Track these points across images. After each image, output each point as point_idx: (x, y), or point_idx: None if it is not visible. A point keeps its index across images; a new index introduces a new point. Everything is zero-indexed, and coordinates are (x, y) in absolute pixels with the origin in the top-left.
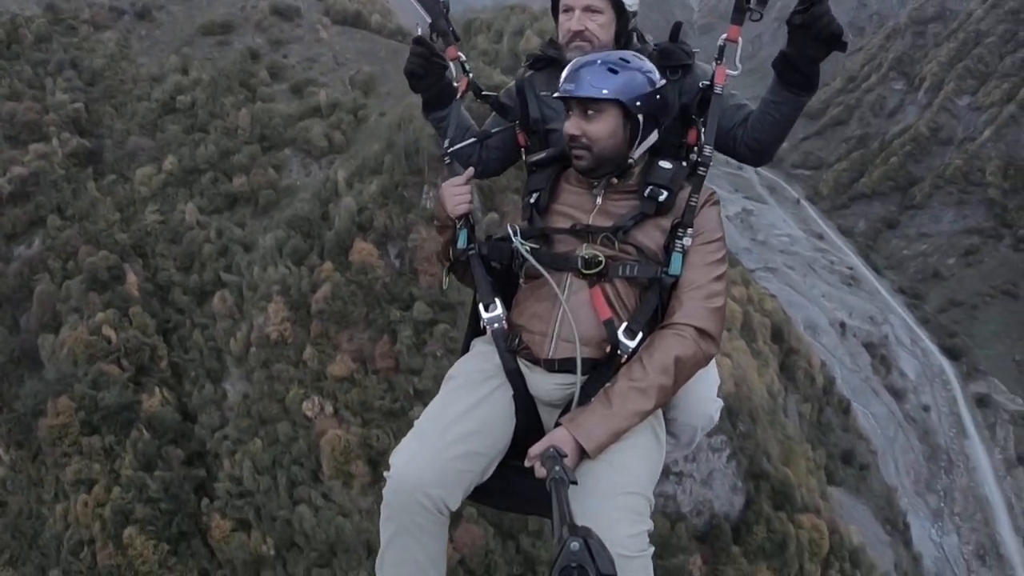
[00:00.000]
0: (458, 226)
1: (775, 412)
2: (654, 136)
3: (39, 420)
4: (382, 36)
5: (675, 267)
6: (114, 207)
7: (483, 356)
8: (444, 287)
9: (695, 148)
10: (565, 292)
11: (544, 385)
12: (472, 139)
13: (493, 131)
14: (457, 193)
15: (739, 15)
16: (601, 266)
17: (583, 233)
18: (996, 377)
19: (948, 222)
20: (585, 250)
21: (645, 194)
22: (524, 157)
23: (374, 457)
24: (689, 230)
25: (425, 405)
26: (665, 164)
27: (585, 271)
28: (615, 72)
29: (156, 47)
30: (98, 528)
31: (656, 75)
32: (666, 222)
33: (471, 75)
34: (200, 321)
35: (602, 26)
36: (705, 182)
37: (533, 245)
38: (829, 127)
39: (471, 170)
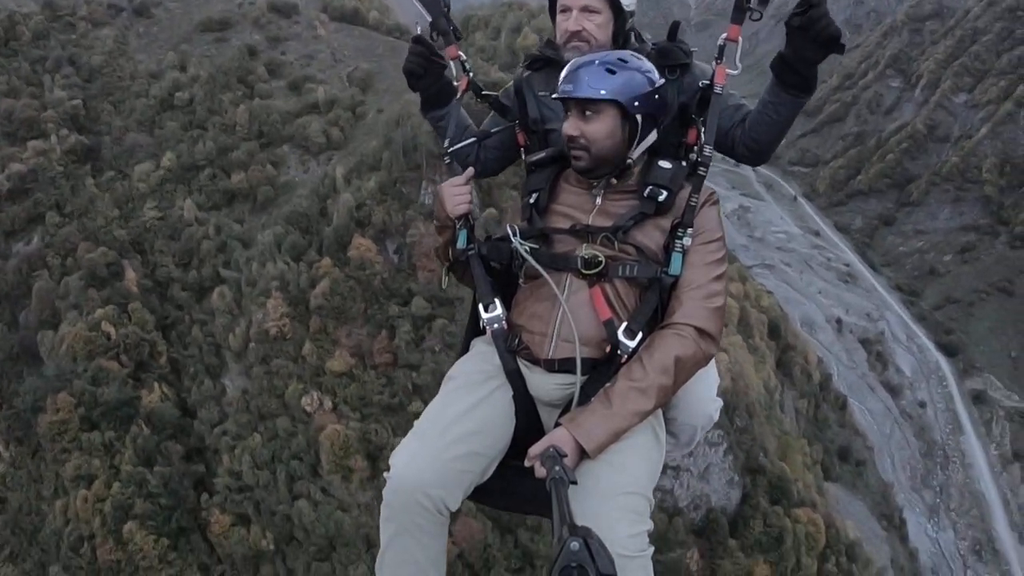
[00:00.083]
0: (458, 226)
1: (772, 407)
2: (653, 136)
3: (39, 416)
4: (380, 33)
5: (675, 267)
6: (113, 204)
7: (483, 356)
8: (443, 286)
9: (695, 148)
10: (565, 292)
11: (544, 385)
12: (471, 139)
13: (492, 131)
14: (457, 193)
15: (739, 14)
16: (601, 266)
17: (583, 233)
18: (992, 373)
19: (944, 219)
20: (585, 250)
21: (645, 194)
22: (523, 157)
23: (373, 452)
24: (689, 230)
25: (423, 400)
26: (664, 164)
27: (585, 271)
28: (613, 72)
29: (154, 44)
30: (98, 523)
31: (655, 74)
32: (666, 222)
33: (471, 74)
34: (199, 317)
35: (599, 26)
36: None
37: (532, 245)
38: (826, 124)
39: (471, 170)
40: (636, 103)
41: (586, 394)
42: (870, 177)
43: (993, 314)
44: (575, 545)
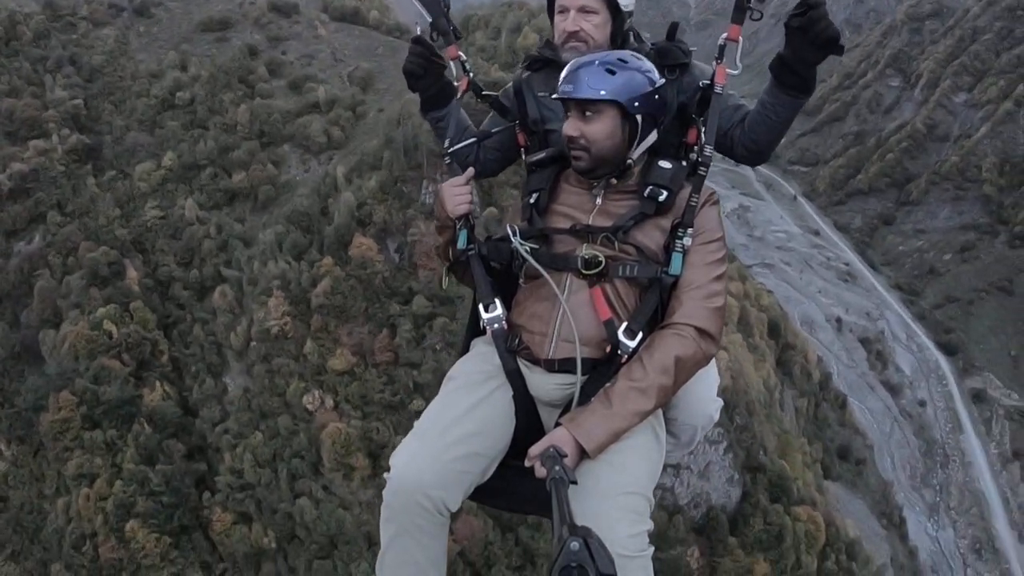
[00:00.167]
0: (458, 226)
1: (772, 406)
2: (653, 136)
3: (40, 415)
4: (380, 33)
5: (675, 267)
6: (114, 203)
7: (483, 356)
8: (444, 287)
9: (695, 148)
10: (565, 292)
11: (544, 385)
12: (471, 139)
13: (492, 131)
14: (457, 193)
15: (740, 14)
16: (601, 266)
17: (583, 233)
18: (992, 372)
19: (944, 218)
20: (585, 250)
21: (645, 194)
22: (523, 157)
23: (374, 450)
24: (689, 230)
25: (425, 398)
26: (665, 164)
27: (585, 271)
28: (613, 73)
29: (155, 44)
30: (100, 522)
31: (655, 74)
32: (666, 222)
33: (471, 74)
34: (200, 316)
35: (597, 26)
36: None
37: (533, 245)
38: (826, 124)
39: (471, 170)
40: (636, 103)
41: (586, 394)
42: (870, 176)
43: (993, 313)
44: (575, 545)
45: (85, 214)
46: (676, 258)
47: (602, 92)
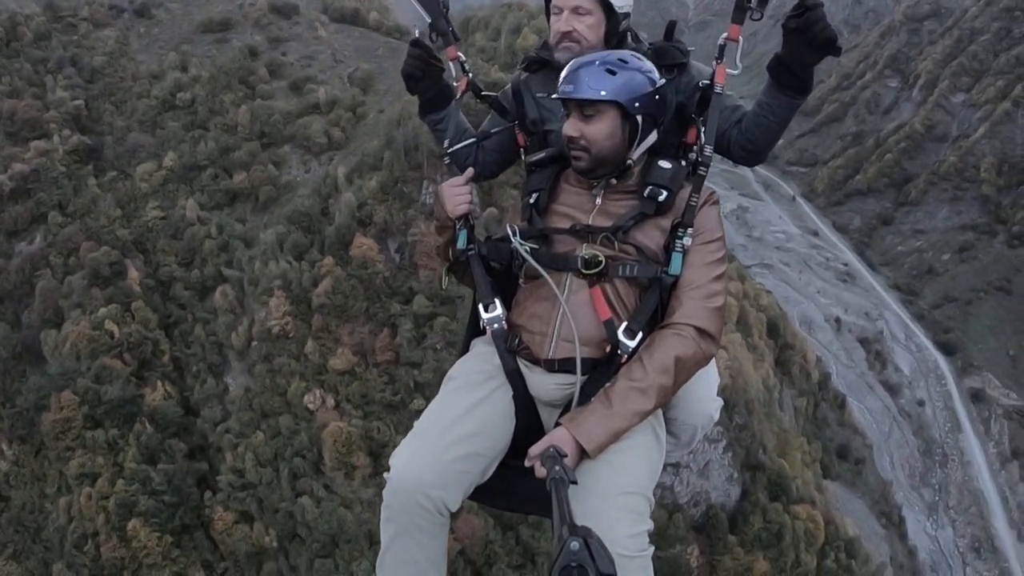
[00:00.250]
0: (458, 226)
1: (771, 405)
2: (653, 136)
3: (42, 414)
4: (380, 34)
5: (675, 267)
6: (115, 203)
7: (483, 356)
8: (443, 287)
9: (694, 147)
10: (565, 292)
11: (544, 385)
12: (471, 139)
13: (492, 131)
14: (457, 193)
15: (740, 14)
16: (601, 266)
17: (583, 233)
18: (990, 372)
19: (943, 218)
20: (585, 250)
21: (645, 194)
22: (523, 157)
23: (375, 449)
24: (689, 230)
25: (425, 398)
26: (664, 164)
27: (585, 271)
28: (613, 73)
29: (155, 44)
30: (102, 521)
31: (656, 74)
32: (666, 222)
33: (471, 75)
34: (202, 316)
35: (590, 27)
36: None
37: (532, 245)
38: (824, 124)
39: (471, 170)
40: (637, 104)
41: (586, 394)
42: (868, 177)
43: (991, 313)
44: (575, 545)
45: (86, 214)
46: (676, 258)
47: (602, 92)
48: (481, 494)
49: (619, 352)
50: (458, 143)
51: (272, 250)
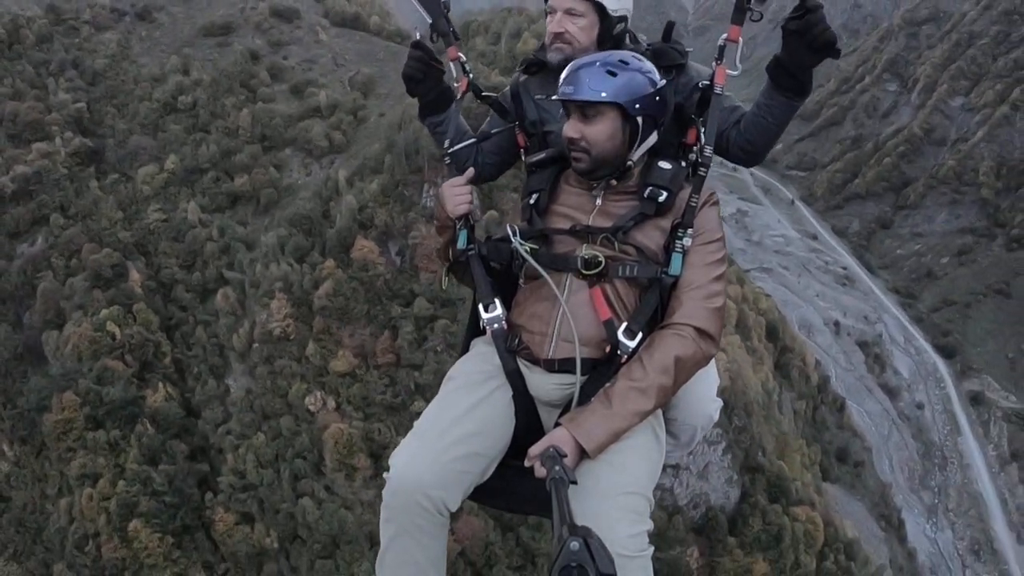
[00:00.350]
0: (458, 227)
1: (770, 408)
2: (653, 137)
3: (43, 415)
4: (381, 38)
5: (675, 267)
6: (116, 206)
7: (483, 356)
8: (443, 287)
9: (694, 148)
10: (565, 292)
11: (544, 385)
12: (472, 139)
13: (492, 132)
14: (457, 194)
15: (739, 15)
16: (601, 266)
17: (583, 234)
18: (989, 375)
19: (941, 222)
20: (585, 250)
21: (645, 195)
22: (523, 158)
23: (376, 450)
24: (689, 230)
25: (426, 399)
26: (664, 165)
27: (585, 271)
28: (614, 74)
29: (157, 48)
30: (103, 521)
31: (656, 75)
32: (666, 222)
33: (471, 75)
34: (203, 318)
35: (583, 29)
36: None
37: (532, 246)
38: (823, 128)
39: (471, 171)
40: (637, 105)
41: (586, 394)
42: (867, 181)
43: (990, 316)
44: (575, 545)
45: (88, 216)
46: (676, 258)
47: (603, 94)
48: (481, 494)
49: (619, 352)
50: (458, 144)
51: (273, 252)
